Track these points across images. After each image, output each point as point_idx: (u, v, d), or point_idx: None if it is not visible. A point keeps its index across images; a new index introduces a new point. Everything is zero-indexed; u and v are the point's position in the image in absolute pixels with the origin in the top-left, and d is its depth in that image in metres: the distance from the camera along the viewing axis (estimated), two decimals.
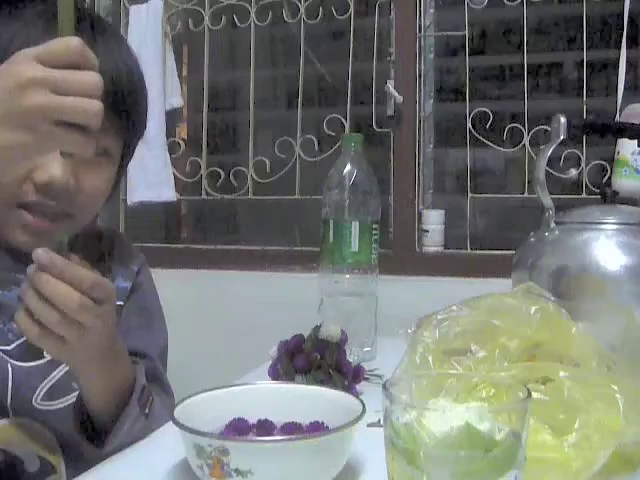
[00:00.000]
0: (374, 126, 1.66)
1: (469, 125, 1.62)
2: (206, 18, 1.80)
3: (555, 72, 1.79)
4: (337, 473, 0.61)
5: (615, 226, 0.92)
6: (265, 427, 0.67)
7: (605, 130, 1.05)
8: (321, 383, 0.82)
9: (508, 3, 1.61)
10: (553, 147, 0.98)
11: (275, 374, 0.88)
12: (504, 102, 1.76)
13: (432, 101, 1.73)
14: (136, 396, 0.74)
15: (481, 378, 0.56)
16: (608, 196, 0.99)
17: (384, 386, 0.48)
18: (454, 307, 0.72)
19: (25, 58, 0.55)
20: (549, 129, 0.99)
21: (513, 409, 0.47)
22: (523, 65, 1.61)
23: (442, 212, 1.66)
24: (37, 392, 0.76)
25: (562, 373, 0.61)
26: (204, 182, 1.80)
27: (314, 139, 1.73)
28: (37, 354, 0.75)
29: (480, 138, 1.62)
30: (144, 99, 0.84)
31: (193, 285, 1.70)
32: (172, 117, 1.82)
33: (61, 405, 0.77)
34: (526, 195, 1.59)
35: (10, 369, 0.75)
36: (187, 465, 0.60)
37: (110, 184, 0.82)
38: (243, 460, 0.55)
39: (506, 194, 1.74)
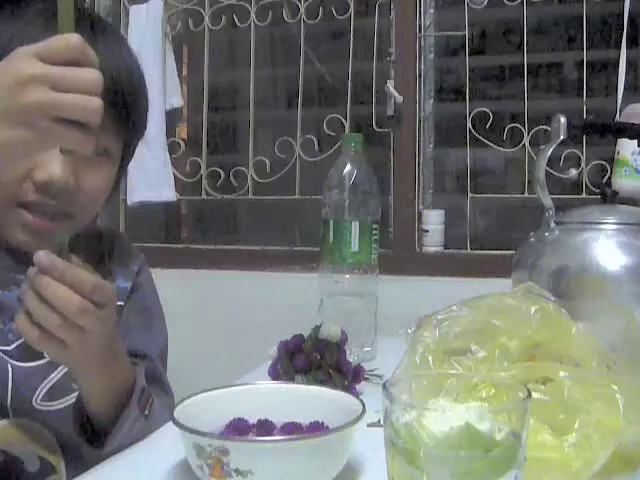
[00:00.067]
0: (374, 126, 1.66)
1: (469, 125, 1.62)
2: (206, 18, 1.80)
3: (555, 72, 1.79)
4: (337, 473, 0.61)
5: (615, 226, 0.92)
6: (265, 427, 0.67)
7: (605, 130, 1.05)
8: (321, 383, 0.82)
9: (508, 3, 1.61)
10: (553, 147, 0.98)
11: (275, 374, 0.88)
12: (504, 102, 1.76)
13: (432, 101, 1.73)
14: (136, 397, 0.74)
15: (481, 378, 0.56)
16: (608, 196, 0.99)
17: (384, 386, 0.48)
18: (454, 307, 0.72)
19: (25, 55, 0.55)
20: (549, 129, 0.99)
21: (513, 409, 0.47)
22: (523, 65, 1.61)
23: (442, 212, 1.66)
24: (37, 392, 0.76)
25: (562, 373, 0.61)
26: (204, 182, 1.80)
27: (314, 139, 1.73)
28: (37, 354, 0.75)
29: (480, 138, 1.62)
30: (144, 99, 0.84)
31: (193, 285, 1.70)
32: (172, 117, 1.82)
33: (61, 405, 0.77)
34: (526, 195, 1.59)
35: (10, 369, 0.75)
36: (187, 465, 0.60)
37: (110, 184, 0.82)
38: (243, 460, 0.55)
39: (506, 194, 1.74)
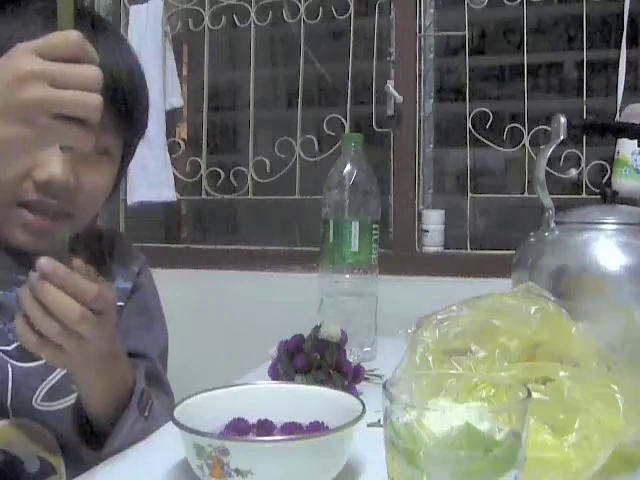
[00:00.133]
0: (374, 126, 1.66)
1: (469, 125, 1.62)
2: (206, 18, 1.80)
3: (555, 72, 1.79)
4: (337, 473, 0.61)
5: (615, 226, 0.92)
6: (265, 427, 0.67)
7: (605, 130, 1.05)
8: (321, 383, 0.82)
9: (508, 3, 1.61)
10: (553, 147, 0.98)
11: (275, 374, 0.88)
12: (504, 102, 1.76)
13: (432, 101, 1.73)
14: (135, 399, 0.74)
15: (481, 378, 0.56)
16: (608, 196, 0.99)
17: (384, 386, 0.48)
18: (454, 307, 0.72)
19: (24, 51, 0.55)
20: (549, 129, 0.99)
21: (513, 409, 0.47)
22: (523, 65, 1.61)
23: (442, 212, 1.66)
24: (37, 393, 0.76)
25: (562, 373, 0.61)
26: (204, 182, 1.80)
27: (314, 139, 1.73)
28: (37, 355, 0.75)
29: (480, 138, 1.62)
30: (145, 98, 0.83)
31: (193, 285, 1.70)
32: (172, 117, 1.82)
33: (61, 406, 0.77)
34: (526, 195, 1.59)
35: (10, 369, 0.75)
36: (187, 465, 0.60)
37: (111, 183, 0.82)
38: (243, 460, 0.55)
39: (506, 194, 1.74)
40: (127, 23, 1.79)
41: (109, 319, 0.66)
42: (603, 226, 0.93)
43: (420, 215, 1.66)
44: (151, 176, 1.73)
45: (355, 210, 1.10)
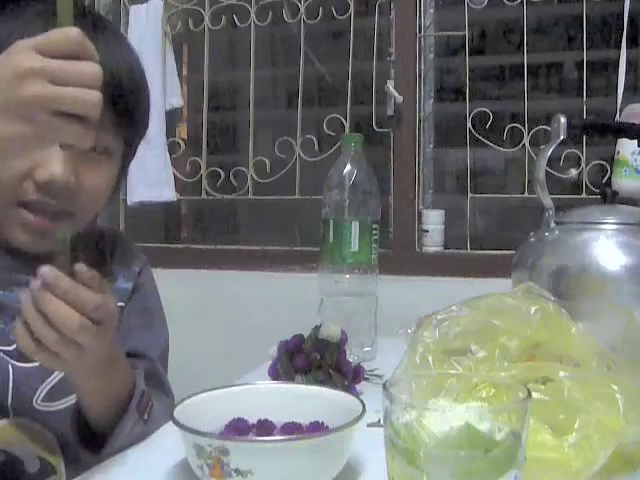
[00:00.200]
0: (374, 126, 1.66)
1: (469, 125, 1.62)
2: (206, 18, 1.80)
3: (555, 72, 1.79)
4: (337, 473, 0.61)
5: (615, 226, 0.92)
6: (265, 427, 0.67)
7: (605, 130, 1.06)
8: (321, 383, 0.82)
9: (508, 3, 1.61)
10: (553, 147, 0.98)
11: (275, 374, 0.88)
12: (504, 102, 1.76)
13: (432, 101, 1.73)
14: (135, 402, 0.73)
15: (481, 378, 0.56)
16: (608, 196, 0.99)
17: (384, 386, 0.48)
18: (454, 307, 0.72)
19: (23, 48, 0.55)
20: (549, 129, 0.99)
21: (513, 409, 0.47)
22: (523, 65, 1.61)
23: (442, 212, 1.66)
24: (37, 393, 0.76)
25: (562, 373, 0.61)
26: (204, 182, 1.80)
27: (314, 139, 1.73)
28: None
29: (480, 138, 1.62)
30: (146, 97, 0.83)
31: (193, 285, 1.70)
32: (172, 117, 1.81)
33: (61, 406, 0.77)
34: (526, 195, 1.59)
35: (11, 369, 0.75)
36: (187, 465, 0.60)
37: (111, 183, 0.82)
38: (243, 460, 0.55)
39: (506, 194, 1.74)
40: (127, 23, 1.79)
41: (109, 328, 0.65)
42: (603, 226, 0.93)
43: (420, 215, 1.66)
44: (151, 176, 1.73)
45: (355, 210, 1.10)
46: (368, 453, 0.65)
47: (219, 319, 1.65)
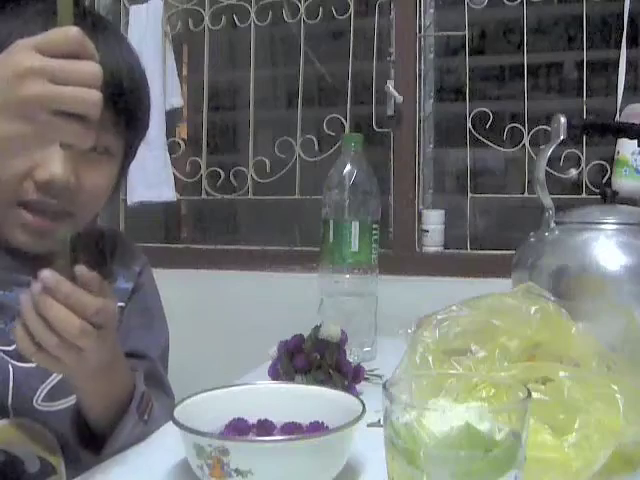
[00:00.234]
0: (374, 126, 1.66)
1: (469, 125, 1.62)
2: (206, 18, 1.80)
3: (555, 72, 1.79)
4: (337, 473, 0.61)
5: (615, 226, 0.92)
6: (265, 427, 0.67)
7: (605, 130, 1.06)
8: (321, 383, 0.82)
9: (508, 3, 1.61)
10: (553, 147, 0.98)
11: (275, 374, 0.88)
12: (504, 102, 1.76)
13: (432, 101, 1.73)
14: (135, 403, 0.73)
15: (481, 378, 0.56)
16: (608, 196, 0.99)
17: (384, 386, 0.48)
18: (454, 307, 0.72)
19: (23, 47, 0.55)
20: (549, 129, 0.99)
21: (513, 409, 0.47)
22: (523, 65, 1.61)
23: (442, 212, 1.66)
24: (38, 393, 0.76)
25: (562, 373, 0.61)
26: (204, 182, 1.80)
27: (314, 139, 1.73)
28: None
29: (480, 138, 1.62)
30: (146, 97, 0.83)
31: (193, 285, 1.70)
32: (172, 117, 1.82)
33: (62, 406, 0.77)
34: (526, 195, 1.59)
35: (11, 369, 0.75)
36: (187, 465, 0.60)
37: (111, 183, 0.82)
38: (243, 460, 0.55)
39: (506, 194, 1.74)
40: (127, 23, 1.79)
41: (109, 332, 0.65)
42: (603, 226, 0.93)
43: (420, 215, 1.66)
44: (151, 176, 1.73)
45: (355, 210, 1.10)
46: (368, 453, 0.65)
47: (219, 319, 1.65)
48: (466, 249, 1.64)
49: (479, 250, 1.63)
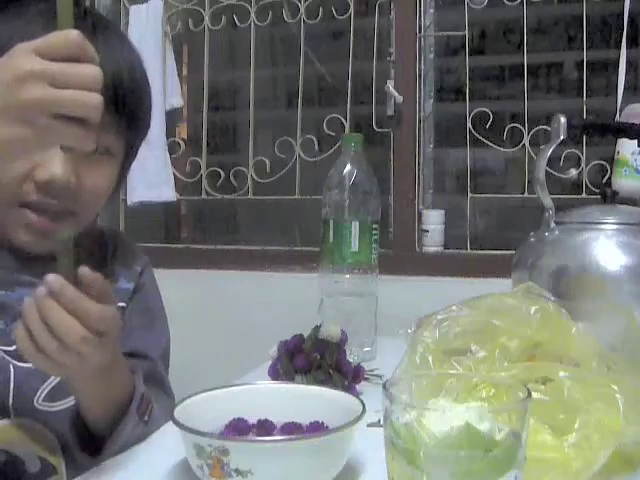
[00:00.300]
0: (374, 126, 1.66)
1: (469, 125, 1.62)
2: (206, 18, 1.80)
3: (555, 72, 1.79)
4: (337, 473, 0.61)
5: (615, 226, 0.92)
6: (265, 427, 0.67)
7: (605, 130, 1.06)
8: (321, 383, 0.82)
9: (508, 3, 1.61)
10: (553, 147, 0.98)
11: (275, 374, 0.88)
12: (504, 102, 1.76)
13: (432, 101, 1.73)
14: (135, 404, 0.73)
15: (481, 378, 0.56)
16: (608, 196, 0.99)
17: (384, 386, 0.48)
18: (454, 307, 0.72)
19: (23, 51, 0.55)
20: (549, 129, 0.99)
21: (513, 409, 0.47)
22: (523, 65, 1.61)
23: (442, 212, 1.66)
24: (38, 393, 0.76)
25: (562, 373, 0.61)
26: (204, 182, 1.80)
27: (314, 139, 1.73)
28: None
29: (480, 138, 1.62)
30: (147, 97, 0.83)
31: (193, 285, 1.70)
32: (172, 117, 1.81)
33: (62, 406, 0.77)
34: (526, 195, 1.59)
35: (12, 369, 0.75)
36: (187, 465, 0.60)
37: (112, 183, 0.82)
38: (243, 460, 0.55)
39: (506, 194, 1.74)
40: (127, 23, 1.79)
41: (111, 339, 0.65)
42: (603, 226, 0.93)
43: (420, 215, 1.66)
44: (151, 176, 1.73)
45: (355, 210, 1.10)
46: (368, 453, 0.65)
47: (219, 319, 1.65)
48: (466, 249, 1.64)
49: (479, 250, 1.63)
